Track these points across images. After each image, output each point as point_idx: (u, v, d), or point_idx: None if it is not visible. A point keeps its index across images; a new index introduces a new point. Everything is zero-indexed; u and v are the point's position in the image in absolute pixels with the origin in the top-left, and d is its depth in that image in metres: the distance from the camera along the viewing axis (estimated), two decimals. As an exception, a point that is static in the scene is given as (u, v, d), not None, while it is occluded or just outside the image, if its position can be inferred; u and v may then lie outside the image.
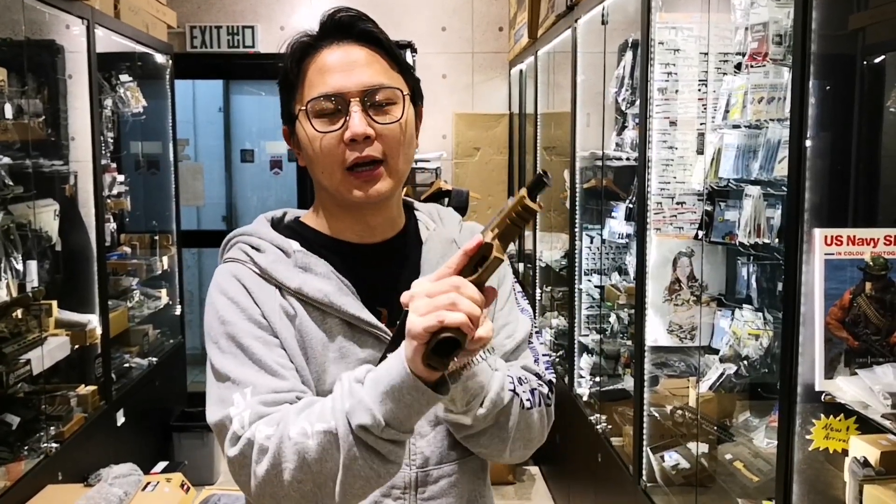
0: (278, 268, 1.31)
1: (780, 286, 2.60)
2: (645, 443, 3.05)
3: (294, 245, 1.34)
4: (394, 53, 1.35)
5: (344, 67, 1.29)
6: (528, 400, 1.32)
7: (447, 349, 1.06)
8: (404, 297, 1.10)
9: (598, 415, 3.60)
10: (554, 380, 1.41)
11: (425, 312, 1.05)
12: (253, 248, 1.35)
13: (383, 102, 1.30)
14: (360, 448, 1.11)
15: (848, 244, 1.92)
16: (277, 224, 1.42)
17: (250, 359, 1.25)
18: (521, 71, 5.38)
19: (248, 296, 1.30)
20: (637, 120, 3.27)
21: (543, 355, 1.42)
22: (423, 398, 1.09)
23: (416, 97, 1.38)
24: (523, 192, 1.08)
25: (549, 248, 4.96)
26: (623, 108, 3.65)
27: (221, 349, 1.27)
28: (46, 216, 3.65)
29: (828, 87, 2.06)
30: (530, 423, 1.33)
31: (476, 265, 1.09)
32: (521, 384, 1.32)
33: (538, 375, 1.38)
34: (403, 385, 1.08)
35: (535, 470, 5.04)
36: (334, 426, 1.12)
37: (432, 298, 1.06)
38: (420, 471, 1.32)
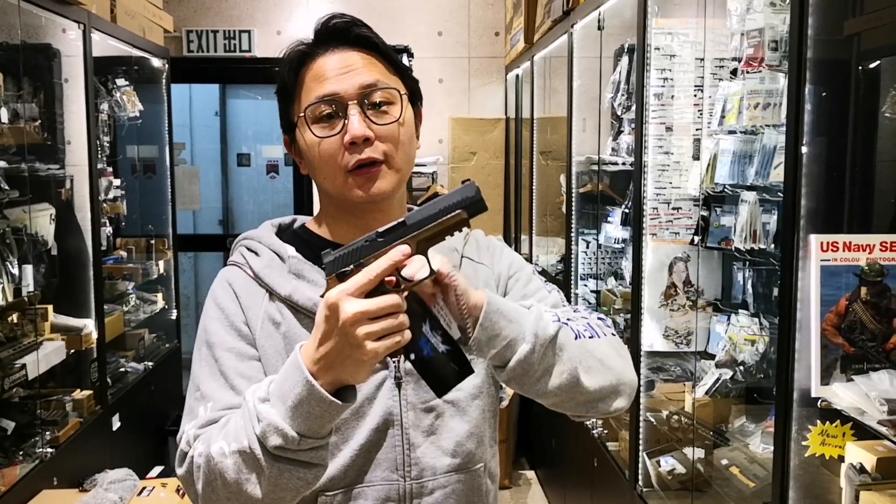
0: (271, 273, 1.32)
1: (775, 291, 2.61)
2: (641, 447, 3.05)
3: (290, 250, 1.34)
4: (390, 56, 1.35)
5: (340, 72, 1.29)
6: (585, 330, 1.26)
7: None
8: (327, 306, 1.08)
9: (593, 419, 3.59)
10: (610, 325, 1.35)
11: (381, 337, 1.05)
12: (251, 251, 1.37)
13: (381, 103, 1.29)
14: (283, 463, 1.11)
15: (844, 250, 1.92)
16: (285, 230, 1.43)
17: (219, 370, 1.27)
18: (517, 76, 5.38)
19: (235, 301, 1.32)
20: (633, 125, 3.27)
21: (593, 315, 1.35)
22: (331, 408, 1.09)
23: (416, 98, 1.38)
24: (464, 215, 1.08)
25: (545, 253, 4.96)
26: (619, 113, 3.66)
27: (201, 356, 1.30)
28: (42, 220, 3.65)
29: (823, 93, 2.07)
30: (598, 352, 1.25)
31: (399, 274, 1.08)
32: (570, 321, 1.25)
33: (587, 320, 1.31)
34: (311, 398, 1.08)
35: (531, 475, 5.04)
36: (247, 446, 1.12)
37: (381, 322, 1.05)
38: (415, 482, 1.31)
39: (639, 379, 3.01)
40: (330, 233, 1.38)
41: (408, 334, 1.07)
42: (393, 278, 1.08)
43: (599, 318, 1.33)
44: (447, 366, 1.11)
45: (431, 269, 1.09)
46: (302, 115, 1.29)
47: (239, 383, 1.25)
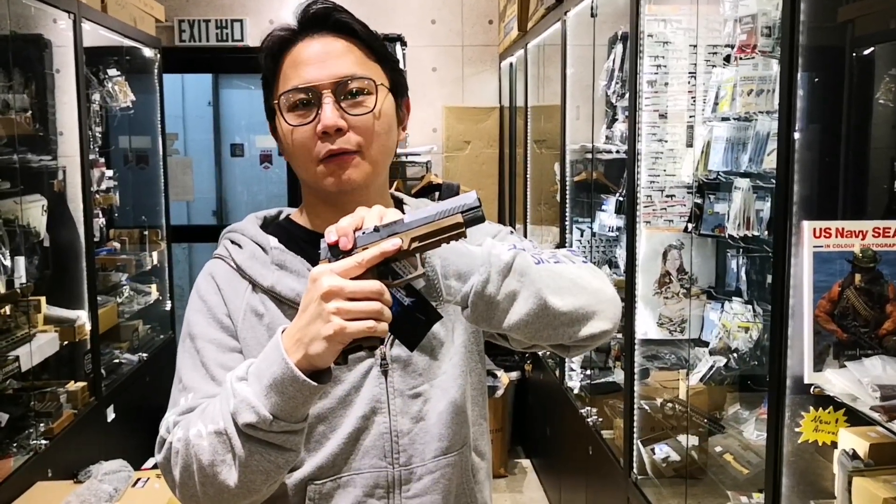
0: (253, 264, 1.32)
1: (769, 279, 2.60)
2: (635, 435, 3.05)
3: (272, 241, 1.34)
4: (371, 44, 1.34)
5: (317, 60, 1.28)
6: (550, 257, 1.21)
7: (352, 349, 1.08)
8: (311, 279, 1.08)
9: (588, 408, 3.60)
10: (584, 257, 1.30)
11: (353, 317, 1.05)
12: (234, 243, 1.36)
13: (356, 93, 1.28)
14: (254, 444, 1.11)
15: (837, 236, 1.92)
16: (271, 222, 1.43)
17: (200, 361, 1.27)
18: (511, 64, 5.37)
19: (217, 293, 1.31)
20: (627, 113, 3.27)
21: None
22: (305, 389, 1.08)
23: (398, 87, 1.37)
24: (460, 219, 1.08)
25: (539, 242, 4.96)
26: (613, 100, 3.65)
27: (184, 347, 1.30)
28: (34, 212, 3.63)
29: (816, 80, 2.06)
30: (568, 273, 1.20)
31: (389, 268, 1.09)
32: (525, 251, 1.20)
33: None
34: (285, 378, 1.08)
35: (526, 463, 5.05)
36: (223, 427, 1.12)
37: (358, 303, 1.05)
38: (404, 469, 1.30)
39: (633, 368, 3.04)
40: (311, 222, 1.38)
41: (384, 326, 1.06)
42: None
43: (570, 250, 1.30)
44: (414, 317, 1.12)
45: (423, 269, 1.10)
46: (276, 102, 1.29)
47: (219, 374, 1.25)
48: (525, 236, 5.01)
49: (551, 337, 1.19)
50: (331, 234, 1.09)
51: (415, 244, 1.08)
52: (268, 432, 1.10)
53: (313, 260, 1.29)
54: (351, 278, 1.06)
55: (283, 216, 1.45)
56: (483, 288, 1.12)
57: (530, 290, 1.14)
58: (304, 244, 1.34)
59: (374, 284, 1.06)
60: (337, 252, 1.09)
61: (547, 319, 1.16)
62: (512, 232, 1.43)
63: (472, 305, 1.13)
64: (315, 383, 1.08)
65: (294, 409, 1.10)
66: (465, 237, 1.09)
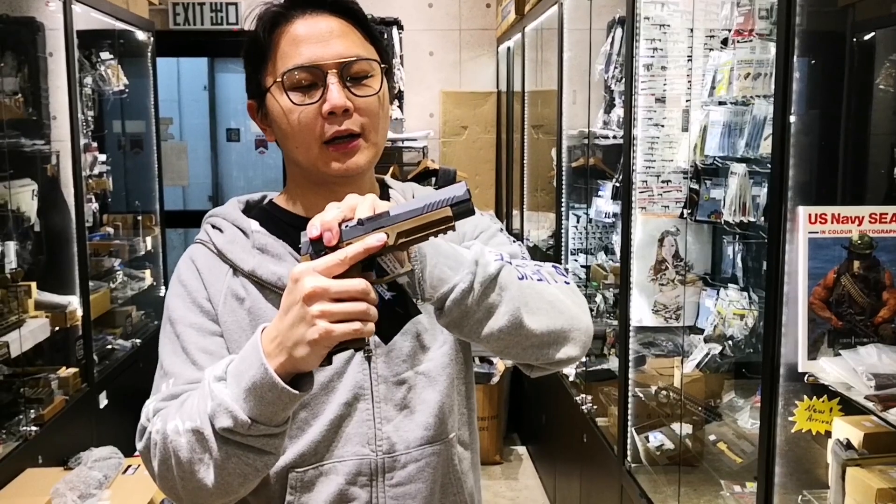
0: (234, 248, 1.29)
1: (765, 265, 2.58)
2: (630, 423, 3.03)
3: (254, 225, 1.31)
4: (367, 25, 1.31)
5: (319, 38, 1.24)
6: (534, 274, 1.19)
7: (337, 350, 1.04)
8: (292, 279, 1.03)
9: (583, 395, 3.58)
10: (567, 276, 1.28)
11: (339, 320, 1.00)
12: (215, 228, 1.34)
13: (360, 75, 1.26)
14: (231, 447, 1.08)
15: (833, 222, 1.89)
16: (254, 206, 1.40)
17: (181, 346, 1.24)
18: (508, 48, 5.32)
19: (198, 277, 1.29)
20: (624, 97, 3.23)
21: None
22: (284, 396, 1.05)
23: (389, 71, 1.34)
24: (449, 212, 1.03)
25: (536, 228, 4.93)
26: (611, 85, 3.62)
27: (165, 332, 1.28)
28: (24, 196, 3.60)
29: (813, 62, 2.03)
30: (547, 294, 1.18)
31: (374, 263, 1.04)
32: (519, 266, 1.19)
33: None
34: (264, 383, 1.04)
35: (521, 450, 5.04)
36: (200, 426, 1.09)
37: (343, 304, 1.01)
38: (387, 456, 1.28)
39: (628, 355, 3.02)
40: (298, 207, 1.35)
41: (370, 327, 1.02)
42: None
43: (554, 267, 1.27)
44: (393, 311, 1.08)
45: (411, 265, 1.06)
46: (278, 80, 1.25)
47: (200, 358, 1.22)
48: (522, 223, 4.99)
49: (519, 356, 1.18)
50: (313, 228, 1.04)
51: (401, 239, 1.03)
52: (246, 436, 1.07)
53: (296, 244, 1.26)
54: (333, 276, 1.02)
55: (266, 200, 1.42)
56: (462, 296, 1.09)
57: (508, 307, 1.12)
58: (288, 228, 1.31)
59: (359, 284, 1.02)
60: (319, 247, 1.04)
61: (519, 338, 1.15)
62: (502, 230, 1.40)
63: (447, 310, 1.10)
64: (295, 391, 1.05)
65: (273, 413, 1.06)
66: (455, 230, 1.05)
